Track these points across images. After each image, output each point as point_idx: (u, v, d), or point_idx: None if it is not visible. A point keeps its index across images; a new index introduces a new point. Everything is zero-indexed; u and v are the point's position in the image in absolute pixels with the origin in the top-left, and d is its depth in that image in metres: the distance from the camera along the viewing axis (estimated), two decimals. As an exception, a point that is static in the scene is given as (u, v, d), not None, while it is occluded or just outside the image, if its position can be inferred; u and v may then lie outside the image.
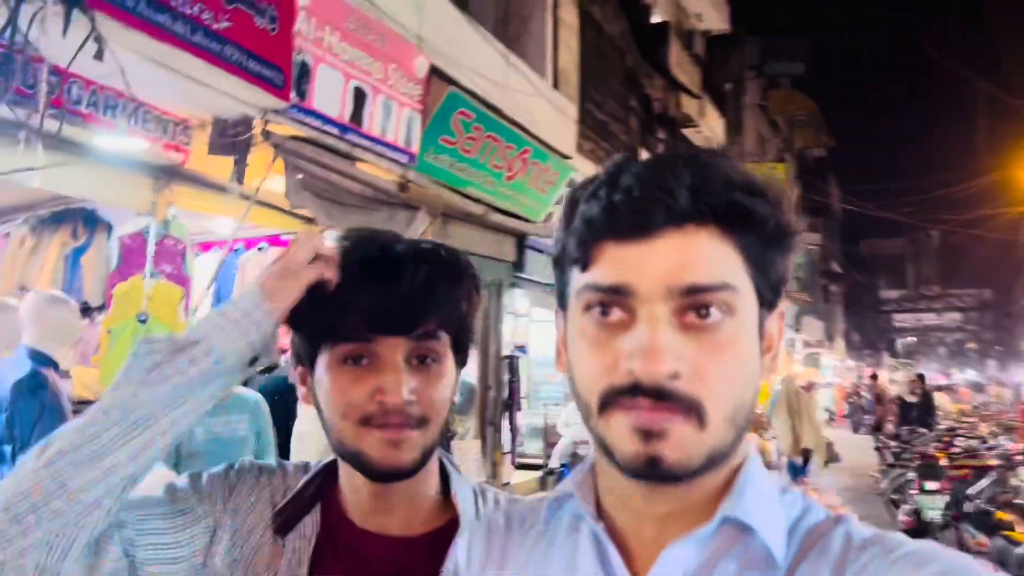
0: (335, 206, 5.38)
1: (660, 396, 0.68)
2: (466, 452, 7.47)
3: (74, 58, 3.15)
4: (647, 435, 0.69)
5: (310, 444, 4.01)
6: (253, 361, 1.02)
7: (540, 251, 9.44)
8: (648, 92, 14.03)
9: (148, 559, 0.99)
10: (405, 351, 1.02)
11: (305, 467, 1.14)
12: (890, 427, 14.74)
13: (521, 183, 8.09)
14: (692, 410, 0.69)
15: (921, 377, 15.46)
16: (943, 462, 8.82)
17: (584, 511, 0.81)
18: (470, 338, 1.12)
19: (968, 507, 7.92)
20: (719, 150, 0.77)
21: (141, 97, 3.98)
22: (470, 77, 6.86)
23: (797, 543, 0.73)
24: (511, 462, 9.26)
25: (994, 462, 8.92)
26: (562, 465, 10.28)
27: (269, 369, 5.07)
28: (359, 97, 5.37)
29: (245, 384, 3.82)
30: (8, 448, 3.08)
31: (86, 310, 5.04)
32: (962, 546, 6.05)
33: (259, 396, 4.16)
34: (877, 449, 13.12)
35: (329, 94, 5.07)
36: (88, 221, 5.58)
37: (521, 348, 10.65)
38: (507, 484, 8.59)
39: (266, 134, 4.59)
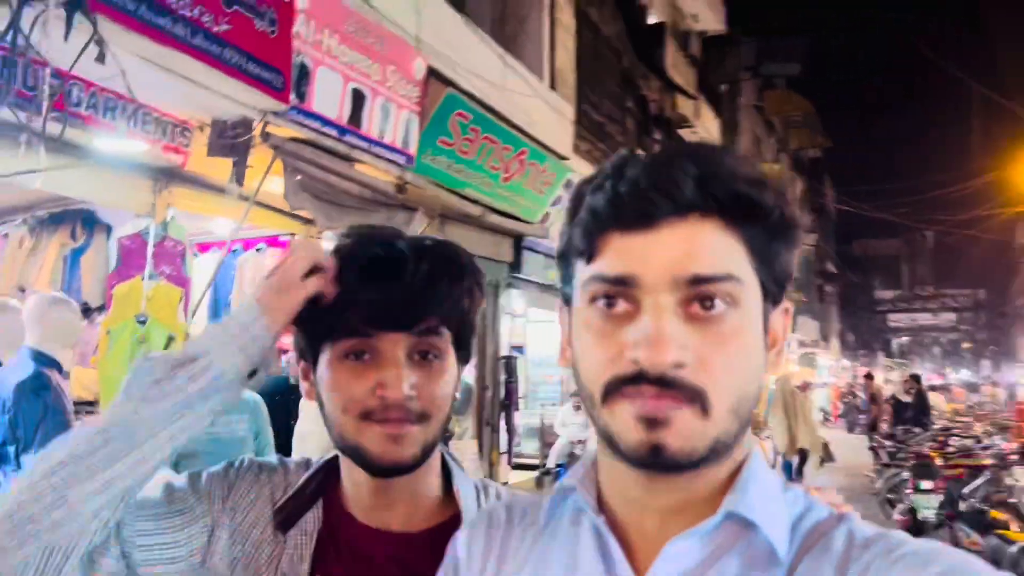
0: (333, 207, 5.39)
1: (664, 384, 0.69)
2: (463, 452, 7.49)
3: (76, 61, 3.16)
4: (651, 423, 0.69)
5: (311, 443, 4.03)
6: (252, 374, 1.02)
7: (537, 252, 9.47)
8: (644, 93, 14.06)
9: (145, 560, 0.99)
10: (406, 347, 1.02)
11: (306, 464, 1.14)
12: (885, 427, 14.79)
13: (518, 184, 8.11)
14: (696, 399, 0.69)
15: (915, 377, 15.53)
16: (938, 462, 8.85)
17: (586, 504, 0.81)
18: (472, 335, 1.13)
19: (963, 506, 7.97)
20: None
21: (141, 99, 3.99)
22: (468, 79, 6.88)
23: (799, 540, 0.73)
24: (508, 462, 9.28)
25: (988, 461, 8.96)
26: (558, 465, 10.32)
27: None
28: (358, 99, 5.39)
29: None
30: (11, 449, 3.10)
31: (85, 311, 5.04)
32: (956, 545, 6.07)
33: (258, 397, 4.18)
34: (872, 449, 13.16)
35: (328, 96, 5.09)
36: (87, 222, 5.60)
37: (518, 348, 10.67)
38: (504, 484, 8.58)
39: (265, 136, 4.61)
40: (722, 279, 0.71)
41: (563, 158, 8.93)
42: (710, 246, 0.71)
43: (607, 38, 12.18)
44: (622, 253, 0.72)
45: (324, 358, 1.05)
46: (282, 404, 4.61)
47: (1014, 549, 4.99)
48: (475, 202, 7.47)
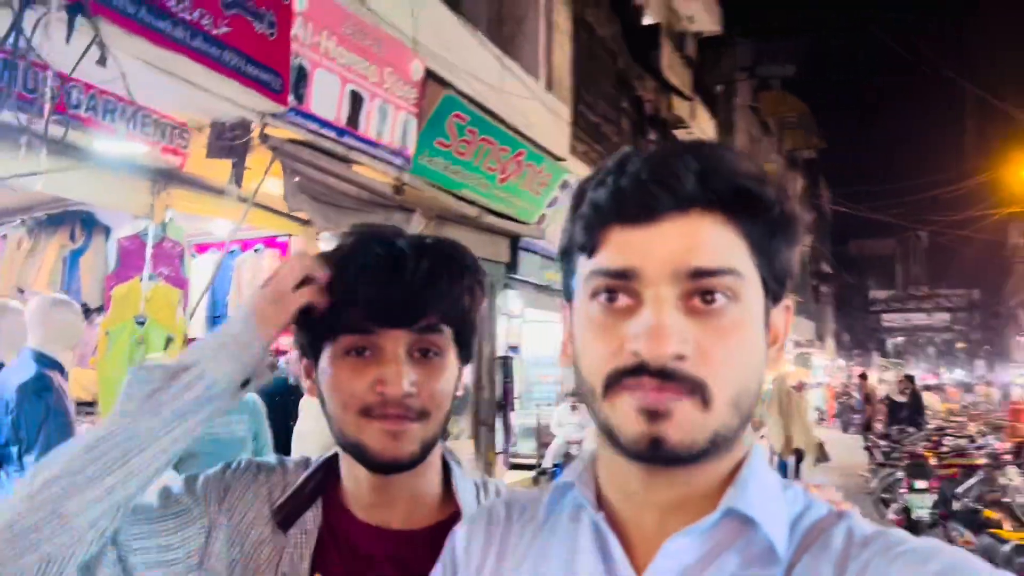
0: (331, 208, 5.41)
1: (665, 376, 0.69)
2: (459, 452, 7.46)
3: (78, 64, 3.17)
4: (652, 415, 0.69)
5: (311, 443, 4.05)
6: (245, 384, 1.03)
7: (534, 252, 9.48)
8: (640, 94, 14.09)
9: (142, 563, 0.99)
10: (407, 344, 1.03)
11: (306, 462, 1.15)
12: (879, 427, 14.83)
13: (515, 185, 8.13)
14: (696, 391, 0.69)
15: (909, 378, 15.57)
16: (932, 461, 8.90)
17: (585, 501, 0.81)
18: (473, 334, 1.13)
19: (956, 506, 8.01)
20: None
21: (141, 101, 4.01)
22: (465, 80, 6.89)
23: (799, 538, 0.73)
24: (504, 462, 9.29)
25: (982, 461, 9.01)
26: (555, 465, 10.34)
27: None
28: (355, 101, 5.41)
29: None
30: (14, 449, 3.11)
31: (84, 312, 5.05)
32: (950, 544, 6.12)
33: (257, 397, 4.20)
34: (867, 449, 13.20)
35: (326, 98, 5.11)
36: (86, 224, 5.61)
37: (514, 349, 10.68)
38: (501, 484, 8.61)
39: (264, 137, 4.62)
40: (723, 272, 0.71)
41: (560, 159, 8.95)
42: (711, 240, 0.71)
43: (603, 39, 12.21)
44: (623, 247, 0.73)
45: (325, 355, 1.06)
46: (281, 405, 4.62)
47: (1007, 548, 5.03)
48: (472, 203, 7.48)
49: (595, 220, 0.75)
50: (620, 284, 0.73)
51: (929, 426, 14.05)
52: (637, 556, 0.76)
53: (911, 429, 12.83)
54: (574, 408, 10.63)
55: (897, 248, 60.77)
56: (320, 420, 1.09)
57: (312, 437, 4.07)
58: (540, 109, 8.62)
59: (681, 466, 0.73)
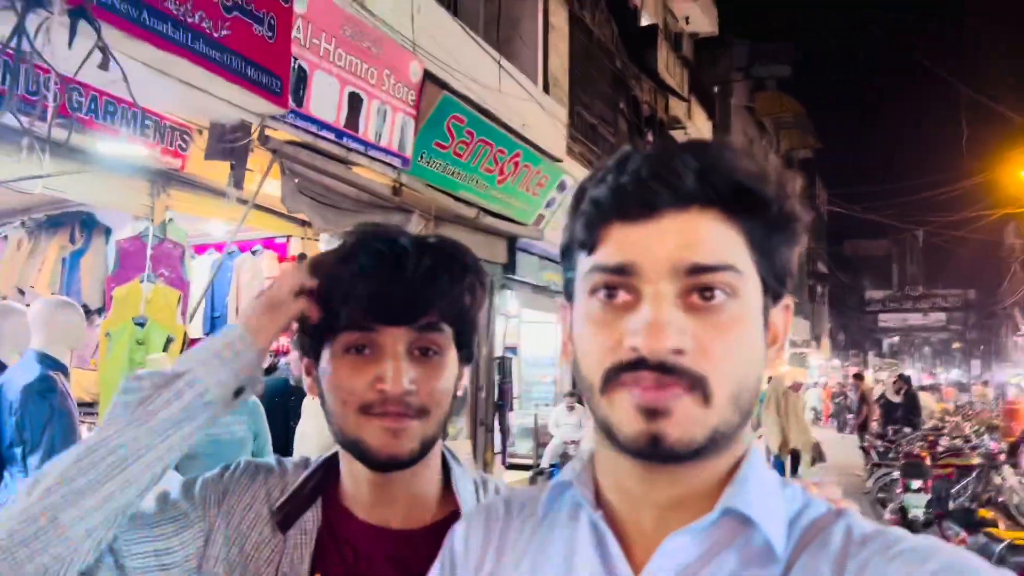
0: (330, 210, 5.43)
1: (664, 371, 0.69)
2: (457, 452, 7.50)
3: (80, 67, 3.19)
4: (651, 414, 0.69)
5: (311, 443, 4.07)
6: (238, 393, 1.04)
7: (531, 253, 9.52)
8: (636, 95, 14.14)
9: (139, 567, 0.99)
10: (407, 342, 1.03)
11: (305, 463, 1.14)
12: (875, 427, 14.86)
13: (512, 186, 8.17)
14: (697, 386, 0.69)
15: (905, 378, 15.60)
16: (927, 462, 8.94)
17: (583, 499, 0.81)
18: (474, 334, 1.12)
19: (952, 505, 8.06)
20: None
21: (142, 104, 4.03)
22: (463, 82, 6.92)
23: (797, 536, 0.73)
24: (502, 462, 9.32)
25: (977, 461, 9.06)
26: (552, 465, 10.36)
27: (269, 371, 5.13)
28: (354, 102, 5.44)
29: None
30: (18, 451, 3.13)
31: (85, 313, 5.07)
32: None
33: (256, 398, 4.23)
34: (863, 449, 13.23)
35: (325, 100, 5.13)
36: (86, 225, 5.62)
37: (512, 349, 10.71)
38: (499, 483, 8.63)
39: (264, 139, 4.65)
40: (721, 269, 0.71)
41: (557, 160, 8.98)
42: (710, 236, 0.72)
43: (600, 40, 12.25)
44: (623, 243, 0.73)
45: (326, 353, 1.06)
46: (281, 405, 4.64)
47: (1001, 547, 5.07)
48: (470, 204, 7.52)
49: (595, 217, 0.75)
50: (619, 280, 0.73)
51: (925, 426, 14.11)
52: (635, 554, 0.76)
53: (907, 429, 12.88)
54: (571, 408, 10.66)
55: (893, 248, 60.82)
56: (322, 420, 1.10)
57: (314, 437, 4.09)
58: (537, 110, 8.65)
59: (680, 463, 0.72)
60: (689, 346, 0.69)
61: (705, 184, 0.71)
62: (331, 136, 5.25)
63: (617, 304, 0.73)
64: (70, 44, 3.12)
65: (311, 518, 1.07)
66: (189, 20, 3.72)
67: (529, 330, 12.03)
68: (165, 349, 4.74)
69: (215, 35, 3.88)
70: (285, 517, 1.06)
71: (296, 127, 4.91)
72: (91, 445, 0.95)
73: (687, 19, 17.95)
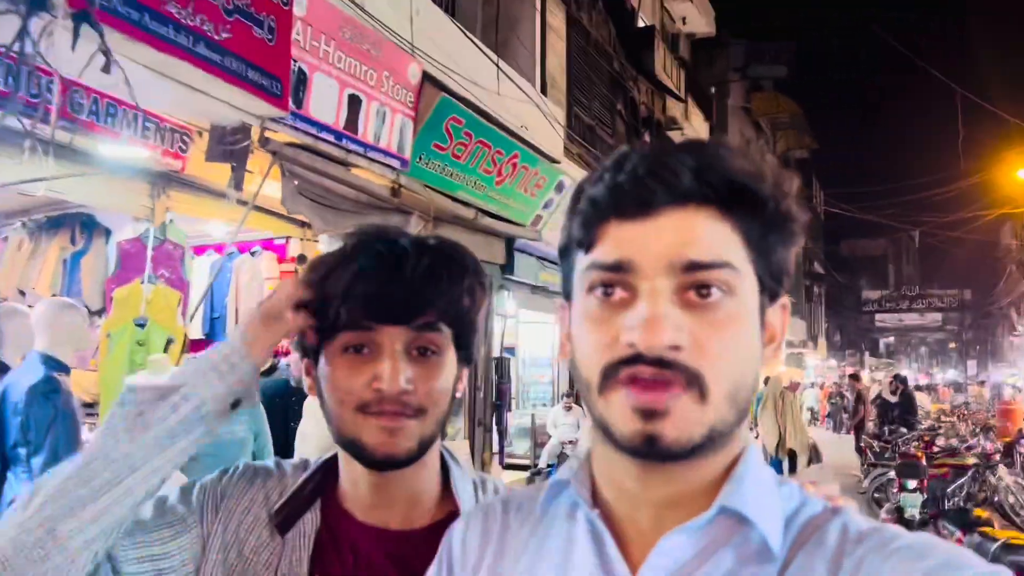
0: (329, 211, 5.45)
1: (661, 365, 0.69)
2: (455, 452, 7.52)
3: (83, 71, 3.21)
4: (647, 414, 0.69)
5: (312, 444, 4.09)
6: (235, 405, 1.04)
7: (529, 254, 9.54)
8: (634, 96, 14.18)
9: (136, 573, 1.00)
10: (405, 341, 1.03)
11: (304, 465, 1.14)
12: (871, 427, 14.90)
13: (510, 187, 8.19)
14: (694, 383, 0.69)
15: (899, 378, 15.64)
16: (923, 462, 8.98)
17: (580, 498, 0.81)
18: (473, 335, 1.12)
19: (947, 505, 8.11)
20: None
21: (144, 106, 4.04)
22: (461, 83, 6.94)
23: (794, 535, 0.73)
24: (499, 462, 9.34)
25: (972, 461, 9.11)
26: (549, 465, 10.38)
27: (269, 372, 5.15)
28: (354, 104, 5.46)
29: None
30: (23, 451, 3.15)
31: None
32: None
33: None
34: (859, 449, 13.28)
35: (325, 102, 5.15)
36: (86, 226, 5.64)
37: (510, 350, 10.73)
38: (497, 483, 8.65)
39: (264, 141, 4.66)
40: (718, 266, 0.71)
41: (554, 161, 9.01)
42: (706, 234, 0.72)
43: (597, 42, 12.28)
44: (620, 240, 0.73)
45: (325, 353, 1.06)
46: (281, 406, 4.65)
47: (996, 546, 5.10)
48: (468, 205, 7.53)
49: (593, 215, 0.75)
50: (616, 277, 0.73)
51: (921, 426, 14.16)
52: (632, 553, 0.76)
53: (903, 429, 12.93)
54: (569, 408, 10.69)
55: (890, 248, 60.86)
56: (323, 420, 1.10)
57: (314, 438, 4.11)
58: (535, 112, 8.67)
59: (676, 462, 0.72)
60: (685, 342, 0.69)
61: (702, 182, 0.72)
62: (330, 138, 5.27)
63: (614, 302, 0.73)
64: (73, 47, 3.14)
65: (310, 520, 1.07)
66: (190, 23, 3.73)
67: (527, 330, 12.07)
68: (165, 350, 4.76)
69: (216, 38, 3.90)
70: (284, 519, 1.06)
71: (296, 129, 4.93)
72: (88, 458, 0.95)
73: (684, 19, 18.00)
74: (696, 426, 0.70)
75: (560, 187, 8.95)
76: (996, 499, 9.00)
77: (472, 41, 7.67)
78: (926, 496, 8.25)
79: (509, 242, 8.99)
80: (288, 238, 6.48)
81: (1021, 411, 16.51)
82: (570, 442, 10.38)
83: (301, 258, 6.18)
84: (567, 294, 0.83)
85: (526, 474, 10.37)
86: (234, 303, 6.32)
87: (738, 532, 0.73)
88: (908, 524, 7.63)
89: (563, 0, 10.94)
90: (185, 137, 4.77)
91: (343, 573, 1.05)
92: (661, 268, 0.71)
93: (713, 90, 20.75)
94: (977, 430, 12.73)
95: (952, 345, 60.32)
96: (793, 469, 10.26)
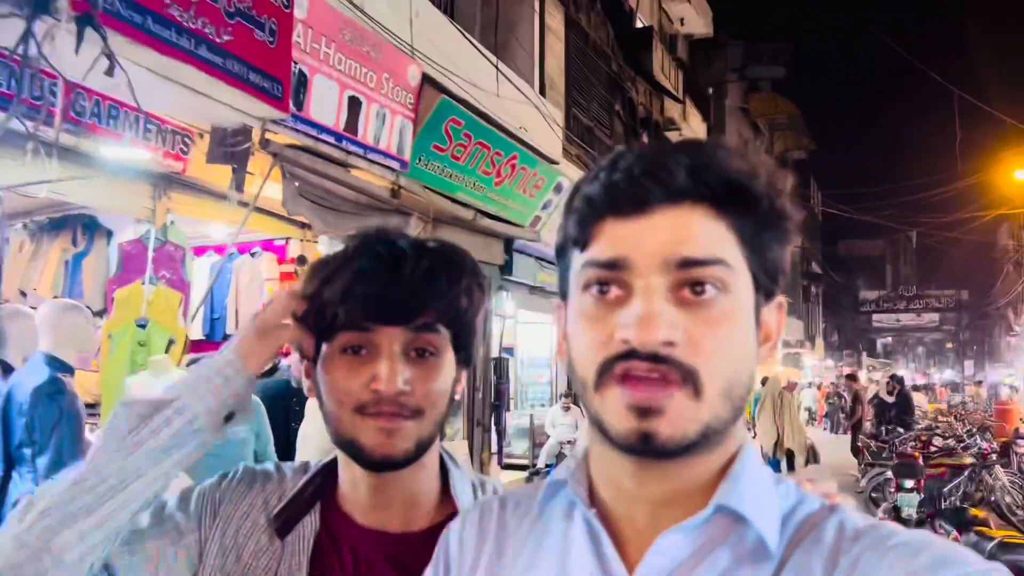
0: (330, 212, 5.47)
1: (656, 361, 0.69)
2: (454, 453, 7.54)
3: (87, 74, 3.23)
4: (643, 412, 0.69)
5: (311, 445, 4.11)
6: (229, 418, 1.04)
7: (528, 255, 9.57)
8: (632, 97, 14.21)
9: None
10: (403, 342, 1.02)
11: (304, 468, 1.14)
12: (868, 427, 14.92)
13: (509, 188, 8.22)
14: (689, 379, 0.69)
15: (897, 378, 15.66)
16: (920, 461, 9.01)
17: (577, 498, 0.81)
18: (472, 337, 1.11)
19: (944, 504, 8.14)
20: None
21: (146, 109, 4.07)
22: (461, 85, 6.97)
23: (791, 533, 0.73)
24: (498, 462, 9.37)
25: (969, 461, 9.14)
26: (548, 465, 10.40)
27: (270, 372, 5.16)
28: (354, 106, 5.48)
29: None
30: (28, 451, 3.17)
31: (86, 315, 5.11)
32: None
33: (255, 398, 4.27)
34: (856, 448, 13.30)
35: (325, 104, 5.18)
36: (88, 227, 5.66)
37: (508, 350, 10.75)
38: (496, 484, 8.68)
39: (264, 143, 4.69)
40: (712, 263, 0.71)
41: (553, 162, 9.04)
42: (701, 231, 0.72)
43: (596, 43, 12.31)
44: (615, 238, 0.73)
45: (323, 354, 1.06)
46: (282, 407, 4.66)
47: (992, 545, 5.14)
48: (467, 206, 7.56)
49: (588, 214, 0.76)
50: (611, 275, 0.73)
51: (918, 426, 14.18)
52: (630, 552, 0.76)
53: (900, 429, 12.95)
54: (567, 409, 10.72)
55: (887, 249, 60.94)
56: (322, 423, 1.10)
57: (315, 439, 4.12)
58: (534, 113, 8.69)
59: (672, 460, 0.72)
60: (680, 339, 0.69)
61: (696, 180, 0.72)
62: (331, 139, 5.30)
63: (609, 300, 0.73)
64: (77, 51, 3.16)
65: (309, 523, 1.07)
66: (192, 26, 3.75)
67: (525, 331, 12.09)
68: (166, 351, 4.79)
69: (217, 40, 3.92)
70: (284, 523, 1.06)
71: (296, 131, 4.96)
72: (83, 472, 0.96)
73: (682, 20, 18.04)
74: (691, 423, 0.70)
75: (559, 188, 8.99)
76: (993, 499, 9.03)
77: (471, 43, 7.70)
78: (923, 496, 8.27)
79: (508, 243, 9.01)
80: (288, 239, 6.50)
81: (1018, 411, 16.55)
82: (568, 442, 10.40)
83: (301, 259, 6.21)
84: (563, 293, 0.83)
85: (524, 474, 10.39)
86: (234, 304, 6.35)
87: (735, 531, 0.73)
88: (905, 523, 7.66)
89: (561, 1, 10.97)
90: (186, 139, 4.80)
91: None
92: (655, 265, 0.71)
93: (711, 91, 20.78)
94: (974, 430, 12.73)
95: (949, 345, 60.38)
96: (791, 469, 10.27)
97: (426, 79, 6.39)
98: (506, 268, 9.09)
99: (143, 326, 4.77)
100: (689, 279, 0.71)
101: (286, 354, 5.46)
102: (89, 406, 4.83)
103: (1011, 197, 21.82)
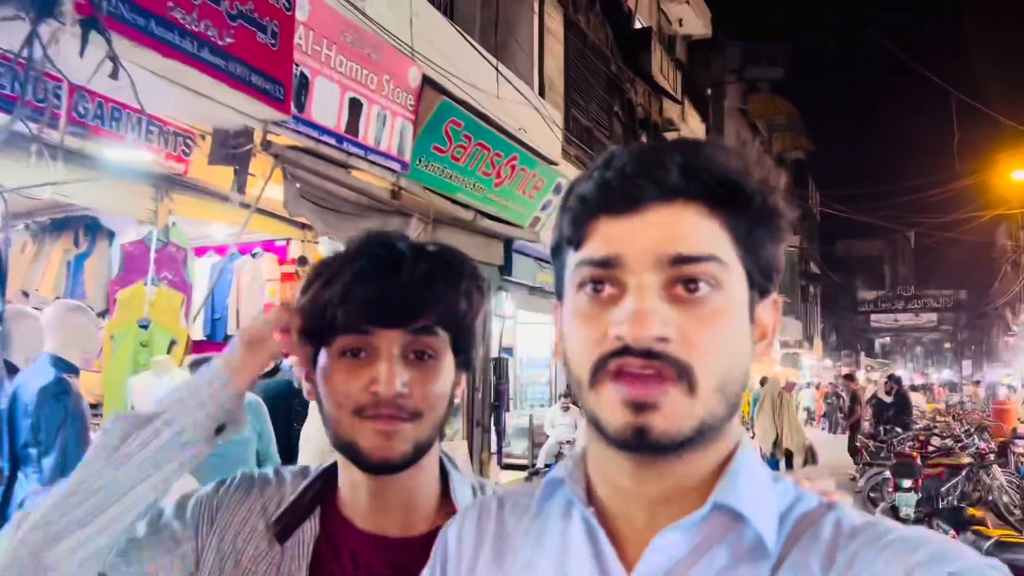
0: (331, 214, 5.49)
1: (650, 357, 0.69)
2: (453, 453, 7.53)
3: (92, 77, 3.25)
4: (638, 407, 0.69)
5: (315, 445, 4.13)
6: (220, 430, 1.05)
7: (527, 255, 9.58)
8: (631, 98, 14.24)
9: None
10: (401, 345, 1.02)
11: (304, 472, 1.14)
12: (867, 426, 14.95)
13: (509, 189, 8.24)
14: (683, 375, 0.69)
15: (894, 378, 15.69)
16: (918, 461, 9.04)
17: (575, 497, 0.81)
18: (472, 340, 1.11)
19: (941, 504, 8.18)
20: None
21: (149, 111, 4.09)
22: (461, 86, 6.99)
23: (788, 530, 0.73)
24: (498, 462, 9.39)
25: (967, 460, 9.17)
26: (547, 465, 10.43)
27: (272, 373, 5.18)
28: (354, 108, 5.50)
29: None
30: (34, 451, 3.19)
31: (87, 315, 5.13)
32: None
33: (257, 398, 4.29)
34: (854, 448, 13.33)
35: (326, 105, 5.20)
36: (90, 228, 5.68)
37: (508, 350, 10.77)
38: (496, 484, 8.70)
39: (266, 144, 4.71)
40: (705, 259, 0.71)
41: (552, 163, 9.06)
42: (693, 229, 0.72)
43: (595, 44, 12.33)
44: (608, 236, 0.73)
45: (322, 357, 1.06)
46: (284, 408, 4.69)
47: (989, 544, 5.17)
48: (467, 207, 7.58)
49: (582, 213, 0.76)
50: (605, 273, 0.73)
51: (916, 426, 14.21)
52: (628, 551, 0.76)
53: (898, 429, 12.99)
54: (567, 409, 10.74)
55: (885, 249, 60.98)
56: (321, 424, 1.10)
57: (317, 440, 4.15)
58: (533, 114, 8.71)
59: (667, 456, 0.73)
60: (673, 335, 0.70)
61: (689, 178, 0.72)
62: (332, 141, 5.32)
63: (603, 298, 0.73)
64: (82, 54, 3.18)
65: (309, 528, 1.07)
66: (195, 29, 3.78)
67: (525, 331, 12.11)
68: (168, 351, 4.81)
69: (220, 43, 3.94)
70: (283, 528, 1.06)
71: (298, 132, 4.98)
72: (73, 486, 0.96)
73: (680, 21, 18.05)
74: (686, 419, 0.70)
75: (558, 189, 9.01)
76: (990, 498, 9.06)
77: (471, 44, 7.72)
78: (921, 495, 8.32)
79: (507, 243, 9.03)
80: (289, 240, 6.53)
81: (1015, 411, 16.61)
82: (568, 442, 10.43)
83: (302, 260, 6.24)
84: (560, 293, 0.83)
85: (524, 474, 10.41)
86: (235, 304, 6.37)
87: (732, 529, 0.73)
88: (903, 523, 7.66)
89: (561, 3, 10.99)
90: (188, 141, 4.82)
91: None
92: (648, 263, 0.72)
93: (709, 92, 20.80)
94: (972, 430, 12.76)
95: (947, 345, 60.46)
96: (790, 469, 10.30)
97: (426, 81, 6.41)
98: (505, 269, 9.11)
99: (145, 327, 4.80)
100: (682, 276, 0.71)
101: (287, 355, 5.49)
102: (92, 407, 4.86)
103: (1009, 197, 21.89)
